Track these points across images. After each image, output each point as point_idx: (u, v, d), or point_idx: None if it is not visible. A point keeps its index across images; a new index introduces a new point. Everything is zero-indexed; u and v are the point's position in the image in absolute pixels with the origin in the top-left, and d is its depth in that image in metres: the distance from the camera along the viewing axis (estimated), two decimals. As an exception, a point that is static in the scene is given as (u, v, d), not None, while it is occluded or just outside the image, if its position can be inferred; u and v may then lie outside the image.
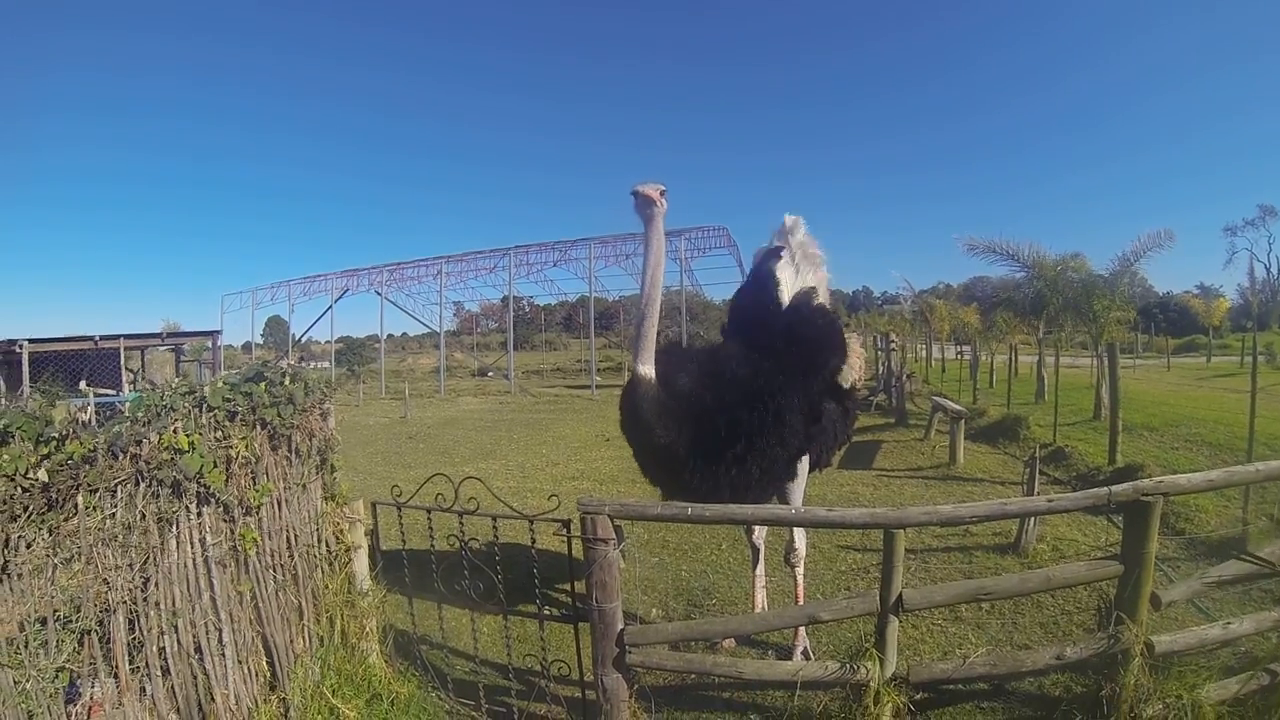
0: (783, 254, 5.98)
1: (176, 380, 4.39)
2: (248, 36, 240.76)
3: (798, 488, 5.54)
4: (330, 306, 46.75)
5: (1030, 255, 17.26)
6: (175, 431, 3.81)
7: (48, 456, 3.46)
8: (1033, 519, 7.54)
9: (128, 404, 4.05)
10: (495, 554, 4.68)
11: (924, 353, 38.01)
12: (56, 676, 3.42)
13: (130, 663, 3.71)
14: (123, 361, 22.08)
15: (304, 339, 53.36)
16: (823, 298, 6.08)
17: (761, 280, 5.86)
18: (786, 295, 5.72)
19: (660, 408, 4.72)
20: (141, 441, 3.72)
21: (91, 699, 3.62)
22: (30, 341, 19.22)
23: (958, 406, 14.31)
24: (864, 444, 14.66)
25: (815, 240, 6.30)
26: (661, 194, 4.80)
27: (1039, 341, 21.44)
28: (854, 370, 5.80)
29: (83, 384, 17.55)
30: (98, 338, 20.80)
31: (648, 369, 4.75)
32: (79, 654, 3.55)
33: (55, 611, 3.48)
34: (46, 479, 3.40)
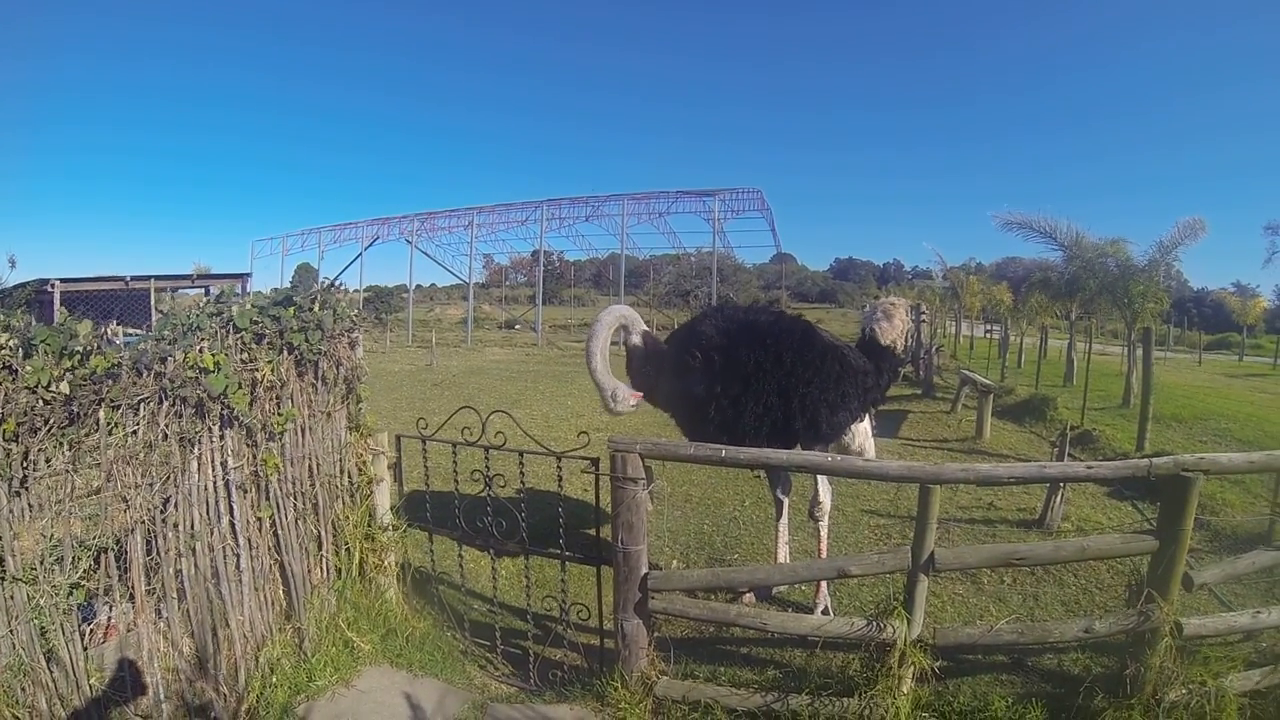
0: None
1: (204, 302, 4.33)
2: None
3: (845, 437, 5.71)
4: (360, 254, 46.94)
5: (1068, 235, 16.92)
6: (201, 351, 3.77)
7: (71, 370, 3.41)
8: (1059, 497, 7.48)
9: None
10: (520, 496, 4.63)
11: (953, 329, 37.68)
12: (71, 593, 3.40)
13: (146, 584, 3.69)
14: (153, 302, 22.17)
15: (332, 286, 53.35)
16: None
17: None
18: None
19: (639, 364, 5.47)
20: (166, 359, 3.68)
21: (108, 620, 3.61)
22: (62, 281, 19.30)
23: (986, 381, 14.17)
24: (890, 413, 14.54)
25: None
26: None
27: (1070, 325, 21.13)
28: (895, 329, 5.78)
29: (114, 323, 17.64)
30: (129, 278, 20.85)
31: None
32: (95, 572, 3.53)
33: (72, 529, 3.45)
34: (69, 392, 3.36)
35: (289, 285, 4.89)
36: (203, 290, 25.07)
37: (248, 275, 24.40)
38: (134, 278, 20.96)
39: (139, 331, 18.30)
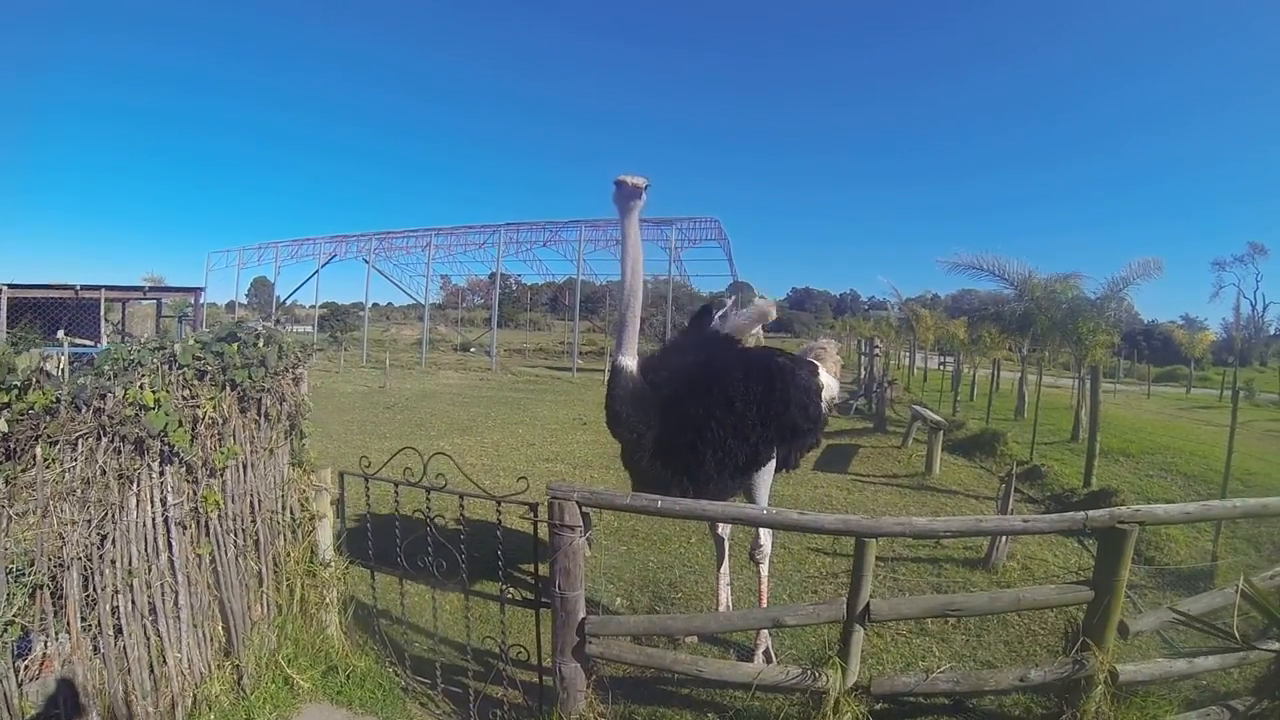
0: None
1: (152, 336, 4.29)
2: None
3: (762, 484, 5.54)
4: (317, 271, 46.49)
5: (1018, 274, 17.21)
6: (141, 387, 3.73)
7: (8, 405, 3.36)
8: (1005, 536, 7.51)
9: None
10: (461, 532, 4.62)
11: (907, 360, 38.07)
12: (5, 630, 3.34)
13: (83, 620, 3.63)
14: (103, 313, 21.82)
15: (288, 302, 53.03)
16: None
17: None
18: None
19: (635, 398, 4.78)
20: (106, 395, 3.64)
21: (44, 654, 3.54)
22: (9, 287, 18.93)
23: (937, 416, 14.28)
24: (840, 447, 14.63)
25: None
26: (645, 187, 4.79)
27: (1022, 359, 21.45)
28: (827, 374, 5.86)
29: (60, 333, 17.34)
30: (79, 287, 20.51)
31: (629, 360, 4.77)
32: (30, 608, 3.47)
33: (8, 564, 3.39)
34: (5, 429, 3.31)
35: (245, 298, 4.85)
36: (154, 302, 24.70)
37: (200, 289, 24.03)
38: (84, 287, 20.58)
39: (87, 342, 18.02)
